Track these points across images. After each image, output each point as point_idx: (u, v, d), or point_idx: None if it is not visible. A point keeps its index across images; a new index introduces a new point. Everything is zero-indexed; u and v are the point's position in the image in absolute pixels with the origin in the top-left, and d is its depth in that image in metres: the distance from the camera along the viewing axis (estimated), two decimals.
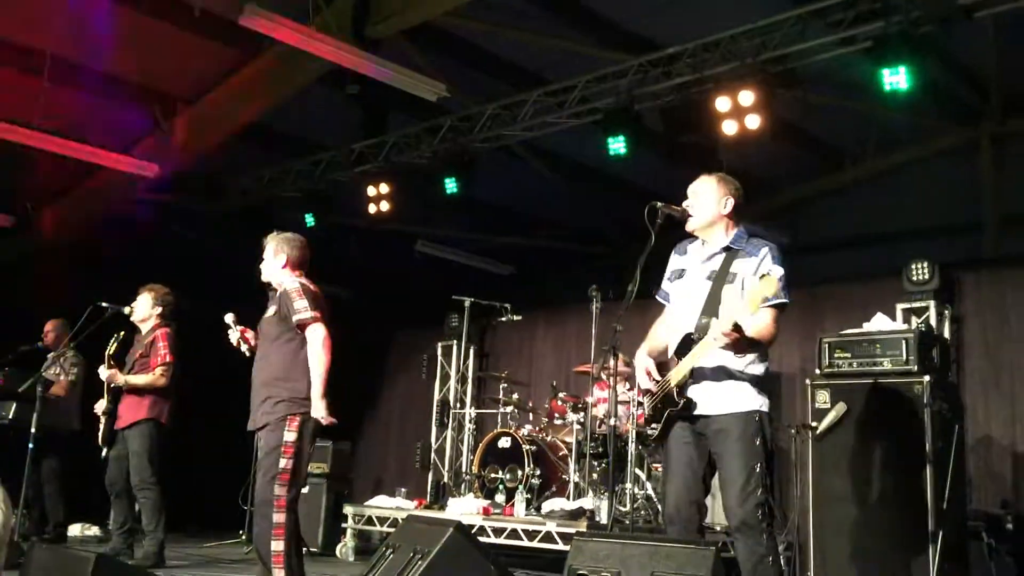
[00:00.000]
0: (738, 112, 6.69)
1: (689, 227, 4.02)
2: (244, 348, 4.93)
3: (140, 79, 8.24)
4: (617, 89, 7.28)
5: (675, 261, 4.15)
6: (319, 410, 4.52)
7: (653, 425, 3.97)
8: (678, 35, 6.99)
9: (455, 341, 10.00)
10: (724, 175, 4.07)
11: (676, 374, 3.86)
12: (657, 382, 3.95)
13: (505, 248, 11.09)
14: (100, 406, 6.28)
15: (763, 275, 3.60)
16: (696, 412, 3.84)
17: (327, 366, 4.56)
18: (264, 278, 4.88)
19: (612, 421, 4.41)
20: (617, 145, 7.17)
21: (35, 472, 6.85)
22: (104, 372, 6.17)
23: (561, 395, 7.68)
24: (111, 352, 6.20)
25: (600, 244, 10.97)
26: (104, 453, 6.28)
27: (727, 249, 3.93)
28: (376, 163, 8.77)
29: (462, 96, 7.98)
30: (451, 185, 8.18)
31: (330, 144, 9.04)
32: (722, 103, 6.73)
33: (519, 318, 8.65)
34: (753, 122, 6.66)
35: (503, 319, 8.68)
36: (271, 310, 4.74)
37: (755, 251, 3.87)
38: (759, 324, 3.66)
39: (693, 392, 3.84)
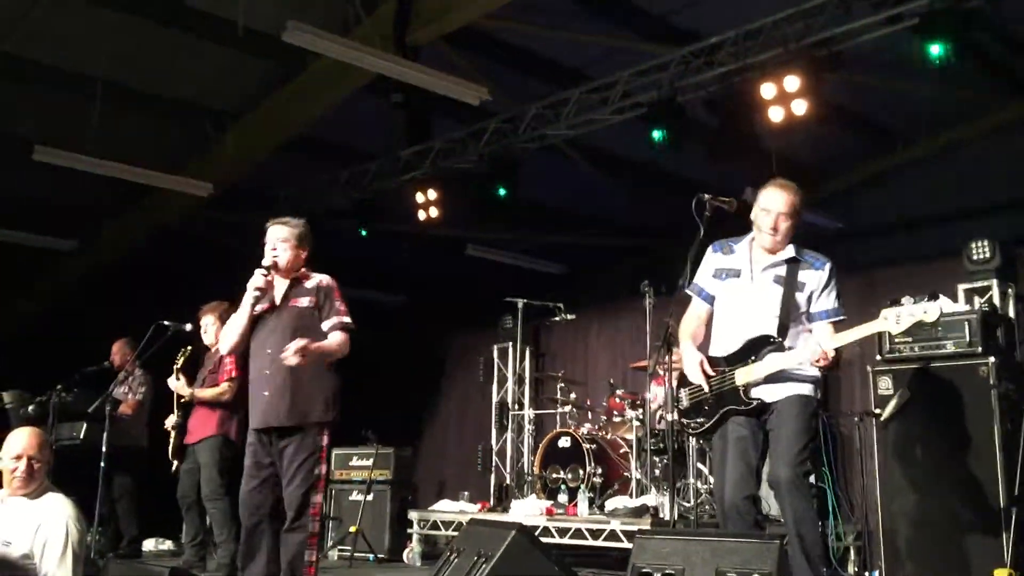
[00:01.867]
0: (784, 98, 6.62)
1: (771, 246, 4.05)
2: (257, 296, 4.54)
3: (189, 97, 8.39)
4: (660, 82, 7.24)
5: (719, 259, 4.18)
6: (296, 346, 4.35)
7: (699, 419, 4.03)
8: (719, 24, 6.94)
9: (510, 343, 10.00)
10: (792, 184, 4.12)
11: (748, 374, 3.92)
12: (711, 377, 3.98)
13: (555, 247, 11.11)
14: (170, 421, 6.44)
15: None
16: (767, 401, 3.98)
17: (330, 355, 4.50)
18: (281, 265, 4.57)
19: (670, 416, 4.39)
20: (662, 139, 7.14)
21: (108, 490, 7.00)
22: (173, 383, 6.33)
23: (619, 392, 7.67)
24: (179, 366, 6.36)
25: (650, 239, 10.92)
26: (175, 467, 6.42)
27: (792, 258, 4.02)
28: (423, 169, 8.84)
29: (504, 98, 8.00)
30: (500, 189, 8.21)
31: (377, 152, 9.12)
32: (767, 90, 6.66)
33: (573, 317, 8.63)
34: (800, 107, 6.58)
35: (557, 319, 8.66)
36: (305, 301, 4.53)
37: (819, 264, 4.04)
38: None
39: (759, 391, 3.92)
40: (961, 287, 7.16)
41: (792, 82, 6.54)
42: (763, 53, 6.70)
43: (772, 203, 4.05)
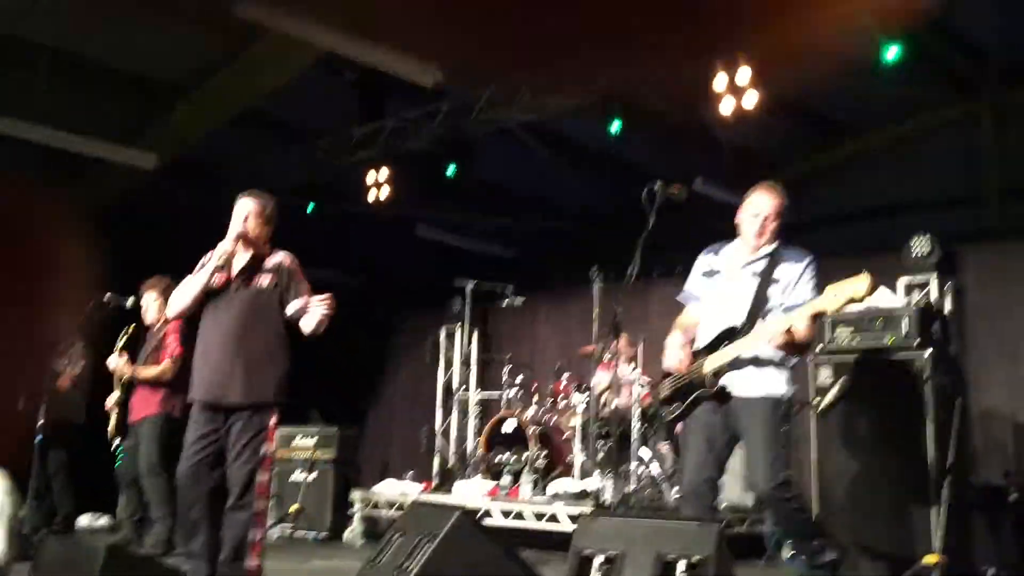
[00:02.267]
0: (735, 90, 6.69)
1: (756, 244, 4.11)
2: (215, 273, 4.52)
3: (139, 70, 8.23)
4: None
5: (707, 261, 4.30)
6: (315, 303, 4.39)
7: (674, 405, 4.13)
8: None
9: (458, 325, 10.01)
10: (775, 185, 4.19)
11: (714, 360, 4.04)
12: (688, 366, 4.08)
13: (506, 230, 11.11)
14: (112, 398, 6.34)
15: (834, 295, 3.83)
16: (733, 394, 4.07)
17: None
18: (251, 237, 4.54)
19: (614, 400, 4.47)
20: (615, 125, 7.18)
21: (42, 464, 6.89)
22: (113, 362, 6.24)
23: (564, 377, 7.73)
24: (121, 345, 6.26)
25: (601, 225, 10.96)
26: (116, 444, 6.34)
27: (772, 253, 4.08)
28: (375, 148, 8.78)
29: (459, 81, 7.98)
30: (450, 169, 8.20)
31: (329, 130, 9.04)
32: (719, 81, 6.73)
33: (521, 301, 8.67)
34: (751, 99, 6.66)
35: (505, 302, 8.69)
36: (265, 280, 4.50)
37: (798, 258, 4.14)
38: (806, 329, 3.94)
39: (727, 379, 3.99)
40: (902, 281, 7.34)
41: (744, 74, 6.62)
42: None
43: (760, 207, 4.15)
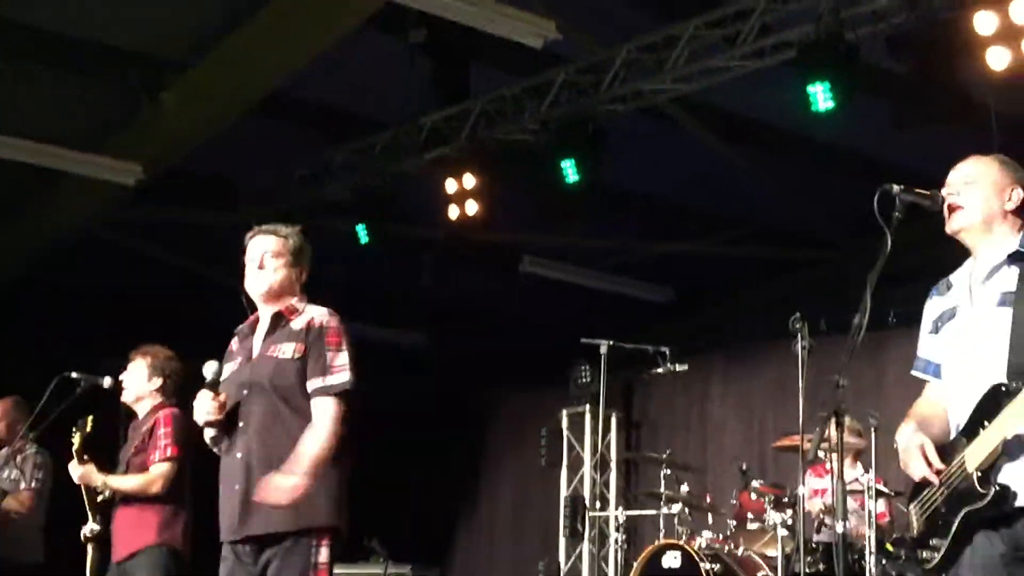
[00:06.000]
0: (1012, 33, 6.64)
1: (953, 227, 4.05)
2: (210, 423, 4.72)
3: (106, 39, 8.49)
4: (817, 10, 7.28)
5: (936, 306, 4.15)
6: (280, 483, 4.44)
7: (933, 541, 3.90)
8: None
9: (588, 406, 10.00)
10: (1005, 158, 4.11)
11: (977, 452, 3.81)
12: (940, 471, 3.92)
13: (658, 262, 11.10)
14: (88, 528, 6.49)
15: None
16: (1016, 504, 3.74)
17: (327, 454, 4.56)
18: (263, 291, 4.73)
19: (840, 524, 4.41)
20: (821, 96, 7.17)
21: None
22: (76, 470, 6.38)
23: (755, 484, 7.66)
24: (77, 445, 6.39)
25: (802, 248, 10.87)
26: None
27: (1018, 258, 3.95)
28: (457, 144, 8.91)
29: (581, 37, 8.09)
30: (570, 170, 8.27)
31: (388, 120, 9.22)
32: (985, 22, 6.69)
33: (684, 368, 8.66)
34: None
35: (659, 370, 8.69)
36: (287, 348, 4.63)
37: None
38: None
39: (1007, 475, 3.80)
40: None
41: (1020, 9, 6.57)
42: None
43: (955, 173, 4.11)
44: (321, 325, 4.69)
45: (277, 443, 4.52)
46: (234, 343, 4.86)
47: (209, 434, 4.73)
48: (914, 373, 4.24)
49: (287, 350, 4.64)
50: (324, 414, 4.55)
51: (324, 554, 4.53)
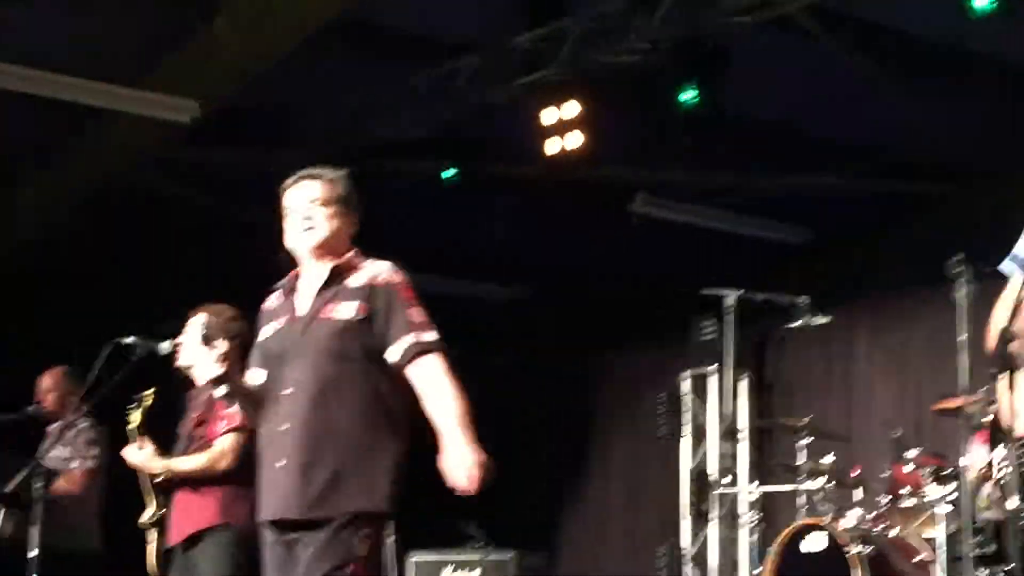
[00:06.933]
0: None
1: None
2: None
3: None
4: None
5: None
6: (462, 456, 4.43)
7: None
8: None
9: (713, 366, 9.94)
10: None
11: None
12: None
13: (791, 199, 10.99)
14: (148, 514, 6.54)
15: None
16: None
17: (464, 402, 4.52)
18: (313, 246, 4.70)
19: (1015, 500, 4.34)
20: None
21: None
22: (133, 455, 6.41)
23: (911, 453, 7.62)
24: (136, 424, 6.42)
25: (959, 181, 10.69)
26: None
27: None
28: (555, 67, 8.83)
29: None
30: (688, 96, 8.16)
31: (474, 43, 9.16)
32: None
33: (825, 320, 8.56)
34: None
35: (797, 323, 8.60)
36: (348, 309, 4.62)
37: None
38: None
39: None
40: None
41: None
42: None
43: None
44: (388, 283, 4.65)
45: (332, 414, 4.51)
46: (272, 300, 4.81)
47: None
48: (1004, 266, 4.40)
49: (347, 310, 4.59)
50: (437, 372, 4.52)
51: (368, 545, 4.48)
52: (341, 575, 4.40)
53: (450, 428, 4.40)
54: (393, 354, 4.55)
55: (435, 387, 4.51)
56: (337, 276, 4.67)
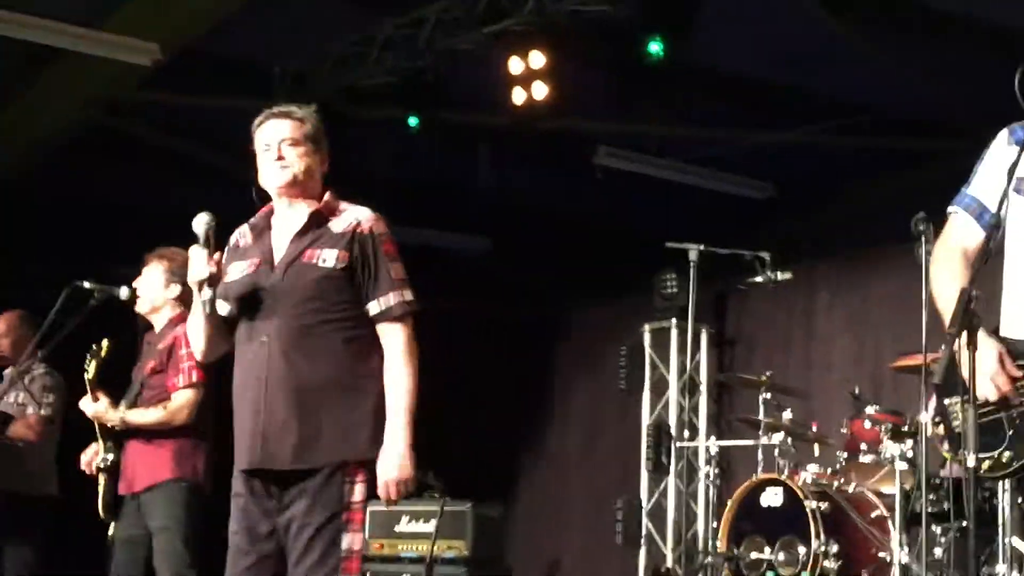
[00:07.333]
0: None
1: None
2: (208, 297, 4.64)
3: None
4: None
5: (1010, 154, 4.12)
6: (396, 467, 4.50)
7: (997, 453, 4.01)
8: None
9: (674, 320, 9.95)
10: None
11: None
12: (1017, 380, 3.94)
13: (756, 154, 10.94)
14: (96, 457, 6.53)
15: None
16: None
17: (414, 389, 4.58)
18: (284, 183, 4.66)
19: (972, 457, 4.35)
20: None
21: None
22: (89, 407, 6.39)
23: (869, 410, 7.65)
24: (93, 375, 6.40)
25: (925, 138, 10.67)
26: (110, 534, 6.52)
27: None
28: (521, 16, 8.78)
29: None
30: (654, 46, 8.14)
31: None
32: None
33: (787, 276, 8.58)
34: None
35: (758, 279, 8.61)
36: (330, 256, 4.59)
37: None
38: None
39: None
40: None
41: None
42: None
43: None
44: (371, 231, 4.65)
45: (312, 363, 4.51)
46: (241, 238, 4.81)
47: (205, 296, 4.61)
48: (956, 209, 4.34)
49: (329, 257, 4.58)
50: (402, 346, 4.58)
51: (360, 491, 4.51)
52: (337, 524, 4.43)
53: (393, 426, 4.49)
54: (374, 308, 4.58)
55: (395, 365, 4.57)
56: (316, 220, 4.65)
